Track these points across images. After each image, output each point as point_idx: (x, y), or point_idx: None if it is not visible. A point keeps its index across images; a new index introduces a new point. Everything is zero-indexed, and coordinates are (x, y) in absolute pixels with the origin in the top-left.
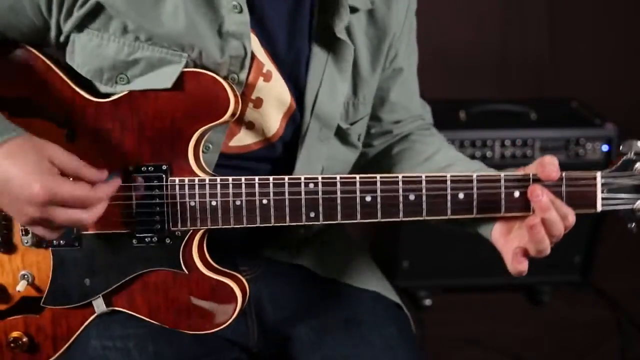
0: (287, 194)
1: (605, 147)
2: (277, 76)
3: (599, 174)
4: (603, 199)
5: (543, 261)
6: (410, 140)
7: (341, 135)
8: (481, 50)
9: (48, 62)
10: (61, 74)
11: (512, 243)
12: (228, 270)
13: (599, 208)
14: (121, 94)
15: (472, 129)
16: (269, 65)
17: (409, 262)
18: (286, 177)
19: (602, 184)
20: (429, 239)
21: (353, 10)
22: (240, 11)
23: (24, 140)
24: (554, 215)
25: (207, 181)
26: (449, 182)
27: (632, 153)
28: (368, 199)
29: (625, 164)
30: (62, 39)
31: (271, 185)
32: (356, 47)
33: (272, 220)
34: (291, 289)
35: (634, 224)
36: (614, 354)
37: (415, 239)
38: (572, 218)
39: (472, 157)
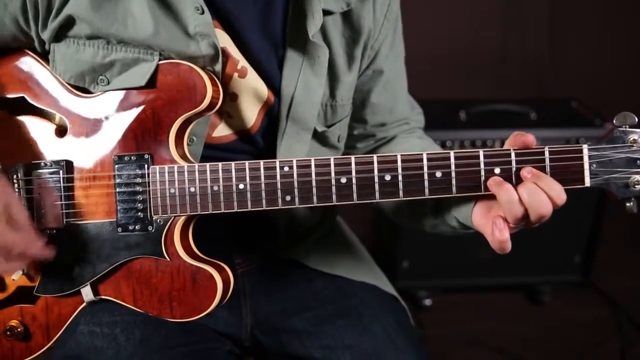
0: (262, 177)
1: None
2: (251, 72)
3: (585, 146)
4: (592, 173)
5: (543, 261)
6: (394, 143)
7: (319, 137)
8: (481, 50)
9: (40, 62)
10: (52, 73)
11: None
12: (211, 259)
13: (587, 182)
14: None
15: (472, 129)
16: (243, 62)
17: (409, 262)
18: (261, 162)
19: (590, 157)
20: (429, 239)
21: (327, 13)
22: (202, 12)
23: None
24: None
25: (185, 168)
26: (425, 161)
27: (626, 125)
28: (343, 180)
29: (617, 137)
30: (46, 47)
31: (247, 169)
32: (332, 49)
33: (249, 205)
34: (287, 282)
35: (632, 202)
36: (614, 354)
37: (415, 239)
38: (557, 187)
39: None
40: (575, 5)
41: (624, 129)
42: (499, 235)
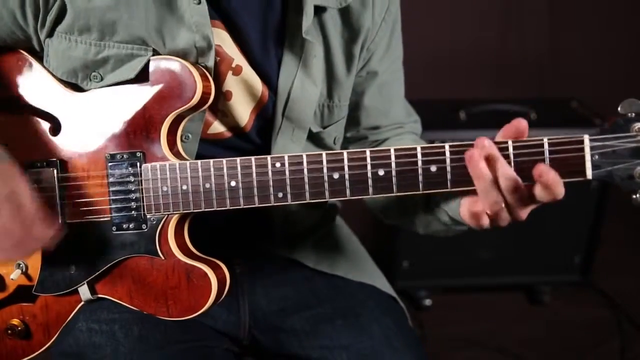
0: (254, 174)
1: None
2: (247, 69)
3: (586, 136)
4: (594, 164)
5: (543, 261)
6: (385, 144)
7: (313, 138)
8: (481, 50)
9: (33, 60)
10: (45, 72)
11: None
12: (207, 257)
13: (589, 175)
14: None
15: (472, 129)
16: (239, 59)
17: (409, 262)
18: (253, 158)
19: (592, 148)
20: (429, 239)
21: (324, 9)
22: (199, 3)
23: None
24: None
25: (177, 165)
26: (419, 155)
27: (632, 113)
28: (336, 176)
29: (621, 125)
30: (43, 46)
31: (239, 166)
32: (331, 49)
33: (242, 202)
34: (285, 282)
35: (638, 195)
36: (614, 354)
37: (415, 239)
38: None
39: None
40: (575, 5)
41: (628, 117)
42: (473, 213)
